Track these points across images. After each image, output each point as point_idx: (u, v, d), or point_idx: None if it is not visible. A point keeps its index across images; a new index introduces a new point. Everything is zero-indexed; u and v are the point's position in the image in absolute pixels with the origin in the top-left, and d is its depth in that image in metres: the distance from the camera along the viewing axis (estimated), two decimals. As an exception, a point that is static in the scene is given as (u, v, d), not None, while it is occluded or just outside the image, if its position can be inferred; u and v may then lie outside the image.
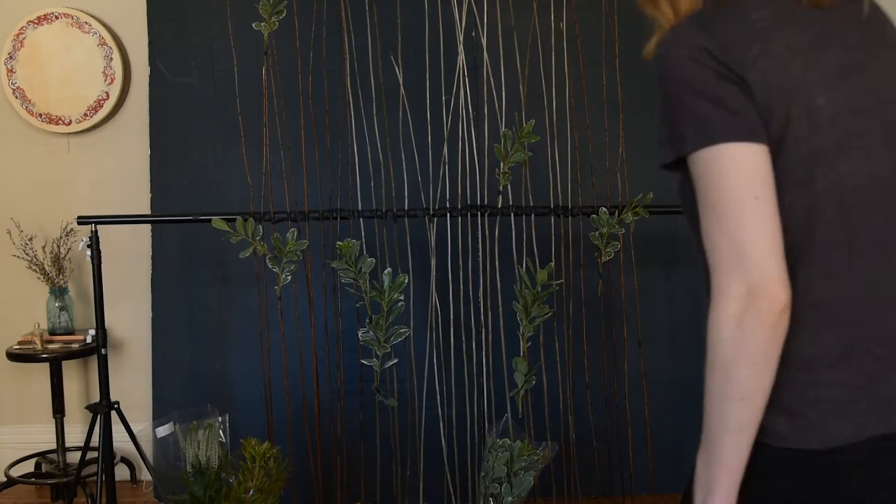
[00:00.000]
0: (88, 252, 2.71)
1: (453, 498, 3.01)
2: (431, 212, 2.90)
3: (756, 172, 1.03)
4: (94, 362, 3.21)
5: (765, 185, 1.03)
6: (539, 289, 2.78)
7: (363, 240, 2.88)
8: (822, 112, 1.06)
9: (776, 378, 1.07)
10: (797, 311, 1.06)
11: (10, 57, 3.33)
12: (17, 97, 3.34)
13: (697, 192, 1.07)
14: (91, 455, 2.98)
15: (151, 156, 3.29)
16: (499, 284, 2.92)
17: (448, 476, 2.99)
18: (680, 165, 1.10)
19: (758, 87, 1.04)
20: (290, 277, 2.83)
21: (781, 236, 1.04)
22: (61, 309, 3.28)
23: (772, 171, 1.04)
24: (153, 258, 3.30)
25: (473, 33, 3.09)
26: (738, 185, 1.03)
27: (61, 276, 3.28)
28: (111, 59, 3.34)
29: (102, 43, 3.33)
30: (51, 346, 3.20)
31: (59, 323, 3.28)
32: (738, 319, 1.12)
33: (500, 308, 2.92)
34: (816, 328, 1.09)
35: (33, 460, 3.39)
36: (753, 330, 1.09)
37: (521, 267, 2.84)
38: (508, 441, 2.54)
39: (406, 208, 2.91)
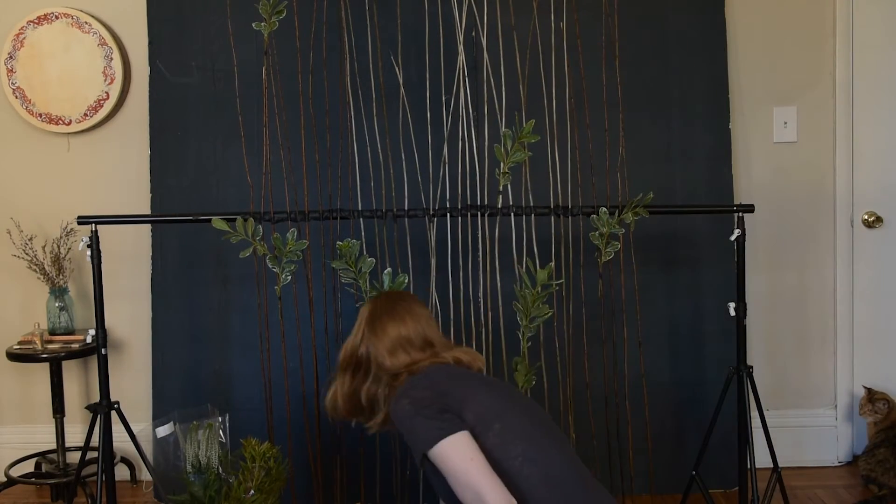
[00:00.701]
0: (88, 252, 2.70)
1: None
2: (431, 212, 2.90)
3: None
4: (94, 362, 3.21)
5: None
6: (539, 289, 2.78)
7: (363, 240, 2.88)
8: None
9: None
10: None
11: (10, 57, 3.33)
12: (17, 97, 3.34)
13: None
14: (91, 455, 2.98)
15: (151, 156, 3.29)
16: (499, 284, 2.92)
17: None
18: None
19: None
20: (290, 277, 2.83)
21: None
22: (61, 309, 3.28)
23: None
24: (153, 258, 3.30)
25: (473, 33, 3.09)
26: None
27: (61, 276, 3.28)
28: (111, 59, 3.34)
29: (102, 43, 3.33)
30: (51, 346, 3.20)
31: (59, 323, 3.28)
32: None
33: (500, 308, 2.92)
34: None
35: (33, 460, 3.39)
36: None
37: (521, 267, 2.84)
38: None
39: (406, 208, 2.91)
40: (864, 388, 3.32)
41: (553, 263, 2.85)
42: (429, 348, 2.11)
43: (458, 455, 1.81)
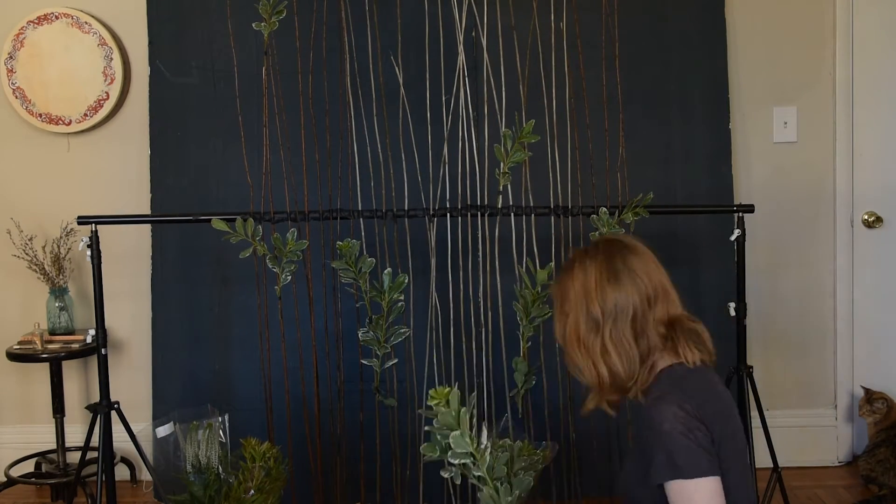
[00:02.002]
0: (88, 252, 2.70)
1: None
2: (431, 212, 2.90)
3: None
4: (94, 362, 3.21)
5: None
6: (539, 289, 2.78)
7: (363, 240, 2.88)
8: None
9: None
10: None
11: (10, 57, 3.33)
12: (17, 97, 3.34)
13: None
14: (91, 455, 2.98)
15: (151, 156, 3.29)
16: (499, 284, 2.92)
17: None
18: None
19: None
20: (290, 277, 2.83)
21: None
22: (61, 309, 3.28)
23: None
24: (153, 258, 3.30)
25: (473, 33, 3.09)
26: None
27: (61, 276, 3.28)
28: (111, 59, 3.34)
29: (102, 43, 3.33)
30: (51, 346, 3.20)
31: (59, 323, 3.28)
32: None
33: (500, 308, 2.92)
34: None
35: (33, 460, 3.39)
36: None
37: (521, 267, 2.84)
38: (508, 441, 2.53)
39: (406, 208, 2.91)
40: (863, 388, 3.33)
41: (553, 263, 2.85)
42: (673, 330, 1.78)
43: (705, 500, 1.57)
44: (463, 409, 1.82)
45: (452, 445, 1.83)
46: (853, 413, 3.47)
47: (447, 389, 1.82)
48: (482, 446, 1.86)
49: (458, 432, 1.82)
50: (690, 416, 1.59)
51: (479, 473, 1.87)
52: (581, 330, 1.74)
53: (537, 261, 2.83)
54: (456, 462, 1.84)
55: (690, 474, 1.56)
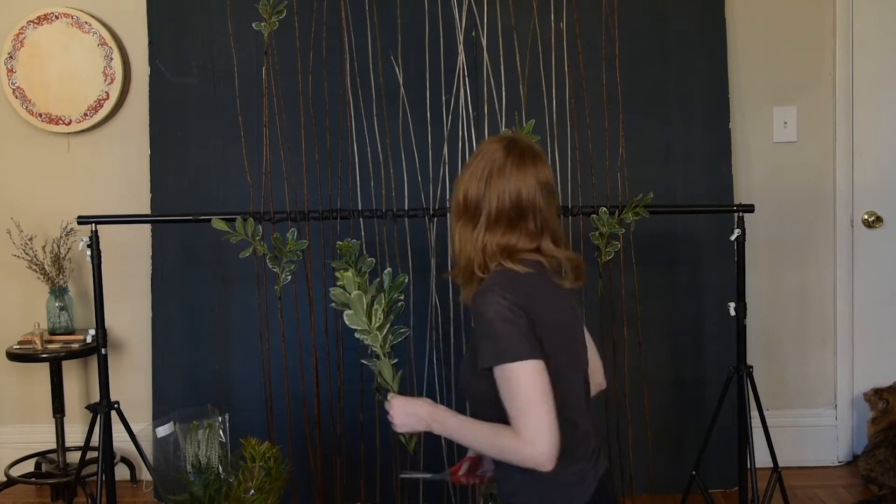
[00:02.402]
0: (88, 252, 2.70)
1: (453, 498, 3.01)
2: (431, 212, 2.90)
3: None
4: (94, 362, 3.21)
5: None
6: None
7: (363, 240, 2.88)
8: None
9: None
10: None
11: (10, 57, 3.33)
12: (17, 97, 3.34)
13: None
14: (91, 455, 2.98)
15: (151, 156, 3.29)
16: (499, 284, 2.91)
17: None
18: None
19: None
20: (290, 277, 2.83)
21: None
22: (61, 309, 3.28)
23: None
24: (153, 258, 3.30)
25: (473, 33, 3.09)
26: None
27: (61, 276, 3.28)
28: (111, 59, 3.34)
29: (102, 43, 3.33)
30: (51, 346, 3.20)
31: (59, 323, 3.28)
32: None
33: (500, 308, 2.92)
34: None
35: (33, 460, 3.39)
36: None
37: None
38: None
39: (406, 208, 2.91)
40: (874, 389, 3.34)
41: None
42: (542, 235, 1.75)
43: (531, 382, 1.59)
44: (356, 293, 2.12)
45: (347, 322, 2.15)
46: (853, 413, 3.47)
47: (347, 272, 2.17)
48: (376, 325, 2.15)
49: (350, 311, 2.14)
50: (512, 304, 1.63)
51: (375, 349, 2.19)
52: (460, 207, 1.77)
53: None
54: (359, 337, 2.20)
55: (512, 358, 1.60)
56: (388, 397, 1.89)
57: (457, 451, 2.99)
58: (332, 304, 2.16)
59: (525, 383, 1.59)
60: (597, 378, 1.94)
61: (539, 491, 1.70)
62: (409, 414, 1.84)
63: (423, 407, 1.82)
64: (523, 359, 1.60)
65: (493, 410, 1.66)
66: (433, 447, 2.97)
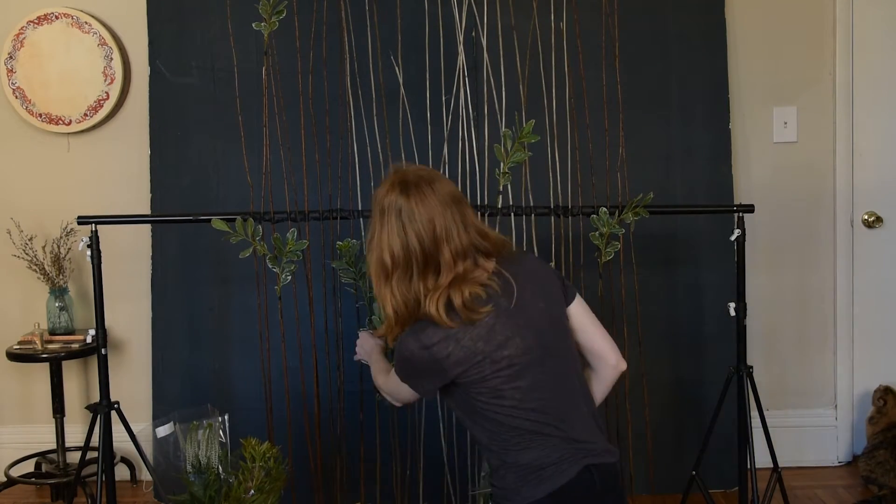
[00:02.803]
0: (88, 252, 2.70)
1: (453, 498, 3.01)
2: (431, 212, 2.90)
3: None
4: (94, 362, 3.21)
5: None
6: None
7: (363, 240, 2.88)
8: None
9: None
10: None
11: (10, 57, 3.33)
12: (17, 97, 3.34)
13: None
14: (91, 455, 2.98)
15: (151, 156, 3.29)
16: (499, 284, 2.91)
17: (448, 476, 2.99)
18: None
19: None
20: (290, 277, 2.83)
21: None
22: (61, 309, 3.28)
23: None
24: (153, 258, 3.30)
25: (473, 33, 3.09)
26: None
27: (61, 276, 3.28)
28: (111, 59, 3.34)
29: (102, 43, 3.33)
30: (51, 346, 3.20)
31: (59, 323, 3.28)
32: None
33: (500, 308, 2.92)
34: None
35: (33, 460, 3.39)
36: None
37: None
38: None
39: (406, 208, 2.90)
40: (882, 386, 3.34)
41: (552, 263, 2.85)
42: (460, 261, 1.83)
43: (400, 387, 1.95)
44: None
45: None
46: (853, 413, 3.47)
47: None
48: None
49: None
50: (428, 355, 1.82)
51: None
52: (388, 267, 1.86)
53: (537, 261, 2.83)
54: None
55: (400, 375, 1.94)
56: (360, 330, 2.39)
57: (456, 448, 2.99)
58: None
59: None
60: (609, 361, 1.98)
61: (511, 477, 1.88)
62: (361, 345, 2.32)
63: (370, 343, 2.28)
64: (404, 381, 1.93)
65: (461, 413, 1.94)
66: (433, 447, 2.97)
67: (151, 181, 3.29)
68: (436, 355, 1.81)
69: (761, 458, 2.80)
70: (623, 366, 1.99)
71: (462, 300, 1.80)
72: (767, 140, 3.41)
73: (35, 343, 3.19)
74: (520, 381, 1.83)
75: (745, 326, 2.77)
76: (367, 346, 2.30)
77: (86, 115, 3.36)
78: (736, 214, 2.79)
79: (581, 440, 1.86)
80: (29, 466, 3.38)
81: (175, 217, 3.10)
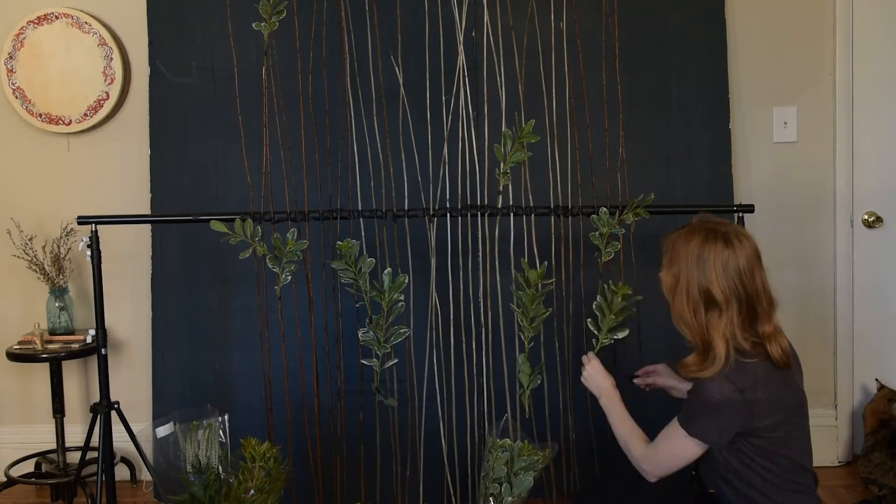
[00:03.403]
0: (88, 252, 2.70)
1: (453, 498, 3.01)
2: (431, 212, 2.90)
3: None
4: (94, 362, 3.21)
5: None
6: (540, 286, 2.78)
7: (363, 240, 2.88)
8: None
9: None
10: None
11: (10, 57, 3.33)
12: (17, 97, 3.34)
13: None
14: (91, 455, 2.98)
15: (151, 156, 3.29)
16: (499, 284, 2.92)
17: (448, 476, 2.99)
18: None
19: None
20: (289, 277, 2.83)
21: None
22: (61, 309, 3.28)
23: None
24: (153, 258, 3.30)
25: (473, 33, 3.09)
26: None
27: (61, 276, 3.28)
28: (111, 59, 3.34)
29: (102, 43, 3.33)
30: (51, 346, 3.20)
31: (59, 323, 3.28)
32: None
33: (500, 308, 2.92)
34: None
35: (33, 460, 3.39)
36: None
37: (518, 269, 2.83)
38: (509, 441, 2.54)
39: (406, 208, 2.91)
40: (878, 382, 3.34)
41: (547, 263, 2.84)
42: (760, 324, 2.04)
43: (679, 446, 2.10)
44: None
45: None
46: (853, 413, 3.47)
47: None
48: None
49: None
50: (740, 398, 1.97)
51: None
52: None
53: (537, 261, 2.83)
54: None
55: (689, 428, 2.05)
56: (590, 355, 2.47)
57: (456, 447, 2.99)
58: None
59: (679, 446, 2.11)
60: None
61: None
62: (593, 378, 2.40)
63: (607, 383, 2.38)
64: (694, 437, 2.06)
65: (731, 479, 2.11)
66: (433, 447, 2.97)
67: (151, 181, 3.29)
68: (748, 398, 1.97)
69: (761, 458, 2.80)
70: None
71: (782, 348, 2.00)
72: (767, 140, 3.41)
73: (35, 343, 3.19)
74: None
75: (745, 326, 2.77)
76: (601, 381, 2.40)
77: (86, 115, 3.36)
78: (736, 214, 2.79)
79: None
80: (29, 466, 3.38)
81: (175, 217, 3.10)
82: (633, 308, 2.80)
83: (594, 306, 2.81)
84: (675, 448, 2.09)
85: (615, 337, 2.80)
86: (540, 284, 2.77)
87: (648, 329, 3.13)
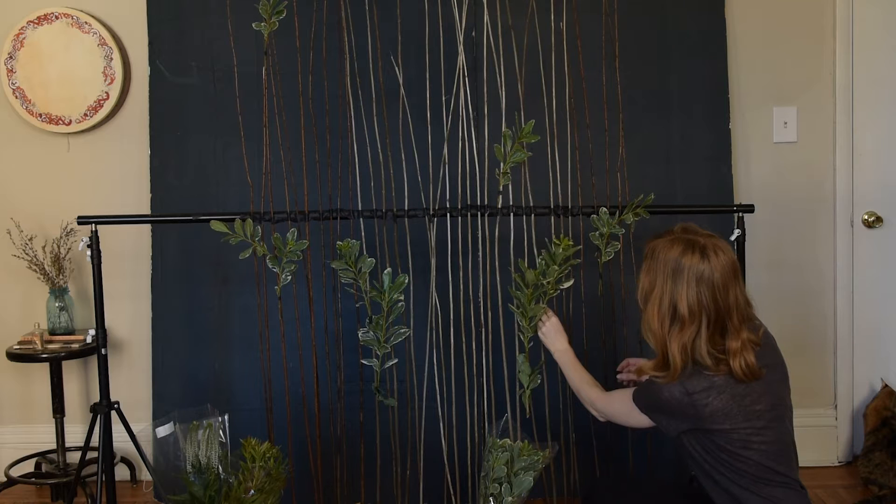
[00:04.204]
0: (88, 252, 2.71)
1: (453, 498, 3.01)
2: (431, 212, 2.90)
3: None
4: (94, 362, 3.21)
5: None
6: (547, 283, 2.78)
7: (363, 240, 2.88)
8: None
9: None
10: None
11: (10, 57, 3.33)
12: (17, 97, 3.34)
13: None
14: (91, 455, 2.98)
15: (151, 156, 3.29)
16: (499, 284, 2.92)
17: (448, 476, 2.99)
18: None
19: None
20: (290, 277, 2.83)
21: None
22: (61, 309, 3.28)
23: None
24: (153, 258, 3.30)
25: (473, 33, 3.09)
26: None
27: (61, 276, 3.28)
28: (111, 59, 3.34)
29: (102, 43, 3.33)
30: (51, 346, 3.20)
31: (59, 323, 3.28)
32: None
33: (500, 308, 2.92)
34: None
35: (33, 460, 3.39)
36: None
37: (517, 268, 2.83)
38: (508, 441, 2.54)
39: (406, 208, 2.91)
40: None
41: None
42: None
43: (631, 413, 2.21)
44: None
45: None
46: (853, 413, 3.47)
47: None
48: None
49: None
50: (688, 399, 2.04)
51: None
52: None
53: (537, 261, 2.83)
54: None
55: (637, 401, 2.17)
56: (549, 312, 2.68)
57: (456, 447, 2.99)
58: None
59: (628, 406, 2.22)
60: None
61: None
62: (551, 334, 2.63)
63: (563, 342, 2.59)
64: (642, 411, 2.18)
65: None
66: (433, 447, 2.97)
67: (151, 181, 3.29)
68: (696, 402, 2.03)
69: (761, 458, 2.80)
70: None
71: (747, 363, 2.04)
72: (767, 140, 3.41)
73: (35, 343, 3.19)
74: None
75: (745, 326, 2.77)
76: (557, 342, 2.61)
77: (86, 115, 3.36)
78: (736, 214, 2.79)
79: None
80: (29, 466, 3.38)
81: (175, 217, 3.10)
82: (575, 259, 2.79)
83: (538, 261, 2.80)
84: (628, 410, 2.21)
85: (561, 287, 2.78)
86: (535, 284, 2.77)
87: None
